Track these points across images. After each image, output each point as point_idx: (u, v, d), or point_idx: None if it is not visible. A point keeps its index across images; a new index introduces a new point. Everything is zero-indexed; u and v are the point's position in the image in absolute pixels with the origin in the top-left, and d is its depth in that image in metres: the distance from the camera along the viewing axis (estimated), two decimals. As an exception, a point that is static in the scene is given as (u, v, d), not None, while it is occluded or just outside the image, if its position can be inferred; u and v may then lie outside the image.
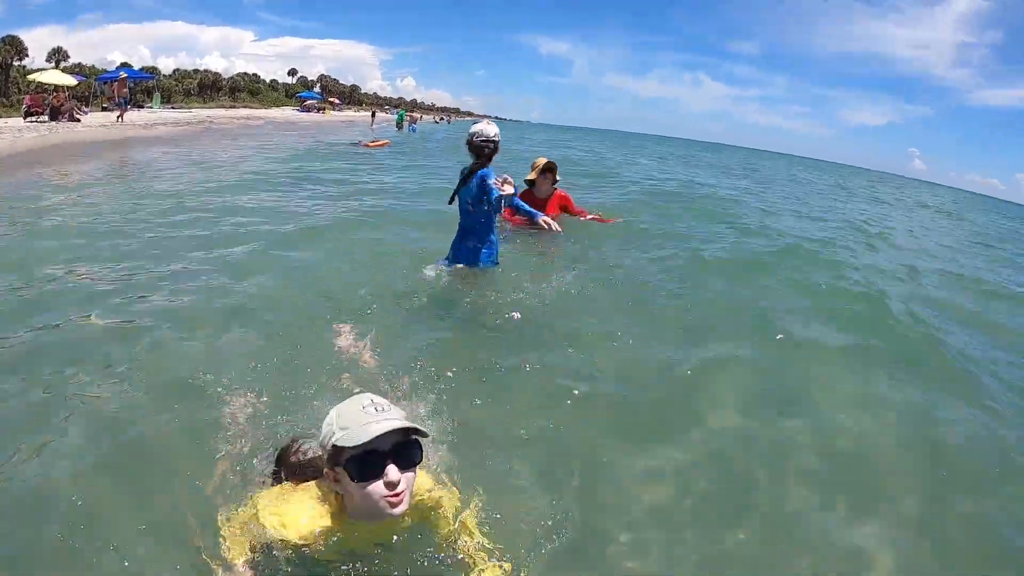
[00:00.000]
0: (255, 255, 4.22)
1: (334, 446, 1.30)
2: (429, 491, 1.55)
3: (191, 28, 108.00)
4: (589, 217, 5.30)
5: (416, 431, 1.33)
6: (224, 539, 1.41)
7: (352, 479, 1.30)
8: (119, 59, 48.19)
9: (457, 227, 3.66)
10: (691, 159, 27.91)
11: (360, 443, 1.25)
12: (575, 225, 5.05)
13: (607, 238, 5.13)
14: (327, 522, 1.38)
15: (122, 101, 19.98)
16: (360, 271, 3.98)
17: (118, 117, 19.24)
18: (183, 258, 4.06)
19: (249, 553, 1.38)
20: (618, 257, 4.68)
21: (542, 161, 4.98)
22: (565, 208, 5.09)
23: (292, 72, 66.43)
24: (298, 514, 1.38)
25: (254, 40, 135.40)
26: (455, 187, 3.53)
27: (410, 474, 1.34)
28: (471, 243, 3.59)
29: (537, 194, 4.96)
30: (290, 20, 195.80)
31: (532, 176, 5.00)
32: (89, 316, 2.92)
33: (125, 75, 22.84)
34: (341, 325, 2.82)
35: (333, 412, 1.35)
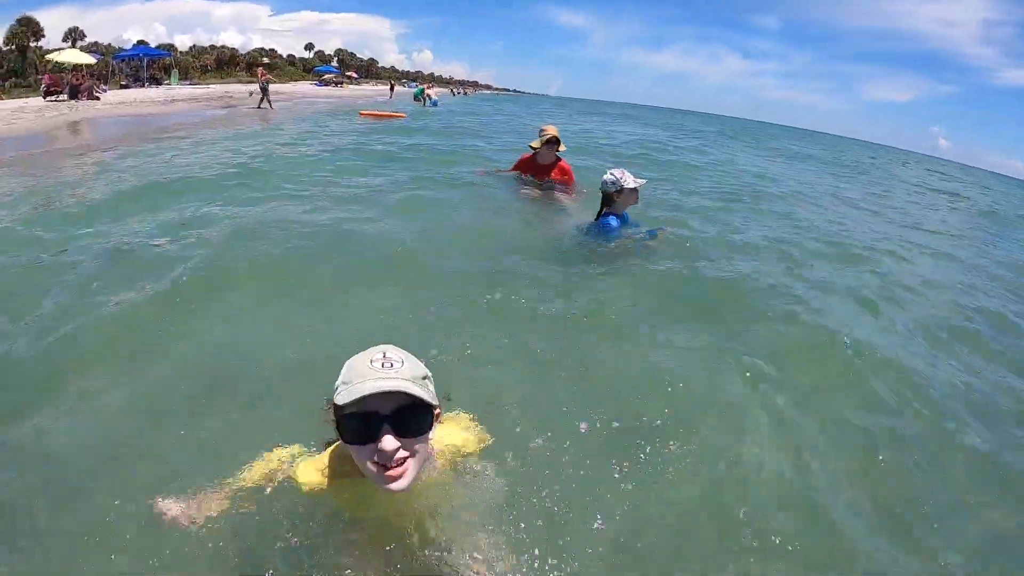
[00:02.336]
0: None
1: (333, 402, 1.12)
2: (459, 447, 1.37)
3: (206, 4, 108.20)
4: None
5: (416, 398, 1.09)
6: (254, 464, 1.39)
7: (343, 439, 1.13)
8: (135, 37, 48.95)
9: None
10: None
11: (349, 401, 1.05)
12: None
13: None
14: (336, 479, 1.24)
15: (265, 85, 18.85)
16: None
17: (261, 104, 18.28)
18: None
19: (260, 482, 1.35)
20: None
21: (549, 131, 5.03)
22: (565, 179, 5.09)
23: (309, 47, 66.46)
24: (315, 464, 1.27)
25: (270, 15, 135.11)
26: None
27: (417, 443, 1.12)
28: None
29: (540, 160, 5.10)
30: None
31: (537, 144, 5.03)
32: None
33: (265, 61, 21.46)
34: None
35: (346, 362, 1.16)
